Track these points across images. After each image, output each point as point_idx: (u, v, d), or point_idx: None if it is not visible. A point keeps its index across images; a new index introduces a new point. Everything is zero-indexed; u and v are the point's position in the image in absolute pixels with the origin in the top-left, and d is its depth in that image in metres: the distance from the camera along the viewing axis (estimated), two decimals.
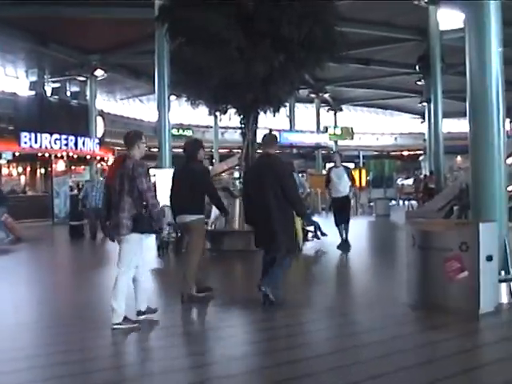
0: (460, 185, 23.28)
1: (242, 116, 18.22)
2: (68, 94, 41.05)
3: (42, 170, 36.69)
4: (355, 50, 35.12)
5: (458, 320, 8.56)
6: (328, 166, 25.21)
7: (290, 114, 47.90)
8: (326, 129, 55.04)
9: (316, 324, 9.13)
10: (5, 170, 35.74)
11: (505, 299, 9.50)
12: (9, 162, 34.65)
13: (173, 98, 28.86)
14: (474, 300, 8.65)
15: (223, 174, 31.47)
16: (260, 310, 9.55)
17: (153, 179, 18.72)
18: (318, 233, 18.31)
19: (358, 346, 7.63)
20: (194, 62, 16.34)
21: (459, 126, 49.87)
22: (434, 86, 32.70)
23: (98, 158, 38.74)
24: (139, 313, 8.81)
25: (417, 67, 35.45)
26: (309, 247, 17.51)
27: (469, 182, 11.19)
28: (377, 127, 71.34)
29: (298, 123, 52.61)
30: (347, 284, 12.54)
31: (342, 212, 16.88)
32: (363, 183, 41.38)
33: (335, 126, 57.28)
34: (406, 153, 71.29)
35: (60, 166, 33.75)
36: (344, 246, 16.62)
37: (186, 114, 48.06)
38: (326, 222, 19.70)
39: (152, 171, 17.81)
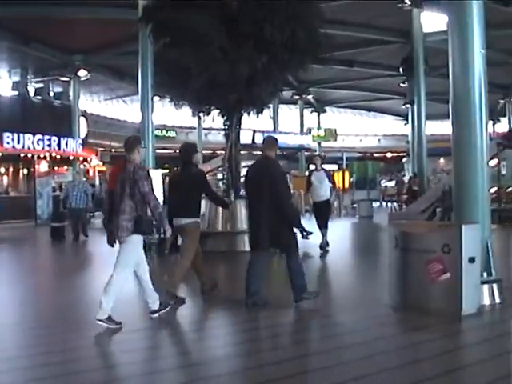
0: (443, 187, 23.40)
1: (225, 117, 18.20)
2: (51, 94, 40.88)
3: (25, 171, 36.46)
4: (339, 52, 35.13)
5: (441, 321, 8.59)
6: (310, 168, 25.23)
7: (274, 116, 48.00)
8: (310, 130, 55.19)
9: (299, 325, 9.15)
10: None
11: (487, 301, 9.55)
12: None
13: (156, 98, 28.72)
14: (456, 301, 8.68)
15: (207, 176, 31.44)
16: (243, 311, 9.53)
17: None
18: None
19: (341, 347, 7.64)
20: (177, 62, 16.33)
21: (442, 128, 50.02)
22: (418, 88, 32.76)
23: (81, 158, 38.55)
24: (153, 312, 9.02)
25: (400, 69, 35.48)
26: None
27: (452, 184, 11.22)
28: (360, 129, 71.47)
29: (282, 125, 52.66)
30: (330, 285, 12.57)
31: (322, 215, 16.89)
32: (346, 185, 41.47)
33: (319, 128, 57.43)
34: (389, 154, 71.57)
35: (43, 166, 33.60)
36: (323, 250, 16.58)
37: (170, 115, 48.03)
38: (310, 223, 19.71)
39: None
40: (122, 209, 8.57)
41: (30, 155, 33.20)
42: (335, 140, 58.49)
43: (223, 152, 20.00)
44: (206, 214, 16.92)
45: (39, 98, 38.38)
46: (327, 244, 16.71)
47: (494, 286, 9.74)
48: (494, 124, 53.68)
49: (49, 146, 34.17)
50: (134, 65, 26.89)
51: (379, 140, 73.22)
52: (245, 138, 33.69)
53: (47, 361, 7.22)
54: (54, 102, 39.73)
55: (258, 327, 8.92)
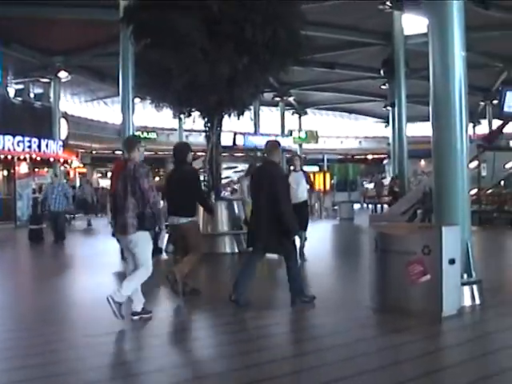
0: (423, 188, 23.50)
1: (206, 119, 18.17)
2: (31, 95, 40.66)
3: (5, 172, 36.17)
4: (320, 54, 35.28)
5: (421, 323, 8.60)
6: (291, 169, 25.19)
7: (255, 118, 47.94)
8: (291, 132, 55.19)
9: (280, 327, 9.13)
10: None
11: (467, 302, 9.59)
12: None
13: (137, 100, 28.69)
14: (436, 303, 8.70)
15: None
16: (226, 312, 9.53)
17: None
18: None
19: (322, 349, 7.64)
20: (158, 63, 16.29)
21: (423, 129, 50.20)
22: (398, 91, 32.85)
23: (62, 160, 38.36)
24: (134, 313, 9.00)
25: (381, 71, 35.57)
26: None
27: (432, 186, 11.25)
28: (341, 131, 71.48)
29: (263, 127, 52.67)
30: (311, 287, 12.55)
31: (301, 217, 16.78)
32: (327, 187, 41.55)
33: (300, 130, 57.42)
34: (370, 156, 71.76)
35: (23, 168, 33.43)
36: (301, 256, 16.38)
37: (151, 116, 47.88)
38: None
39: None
40: (126, 206, 8.78)
41: (10, 157, 32.94)
42: (316, 142, 58.45)
43: (204, 154, 19.95)
44: None
45: (19, 99, 38.10)
46: (302, 253, 16.29)
47: (475, 287, 9.78)
48: (474, 126, 53.94)
49: (29, 147, 33.93)
50: (114, 66, 26.80)
51: (360, 142, 73.32)
52: (226, 140, 33.75)
53: (24, 363, 7.16)
54: (34, 104, 39.48)
55: (241, 329, 8.89)
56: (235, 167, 54.42)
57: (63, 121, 41.25)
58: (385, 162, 58.31)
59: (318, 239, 17.49)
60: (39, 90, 41.61)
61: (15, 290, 13.05)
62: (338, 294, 11.53)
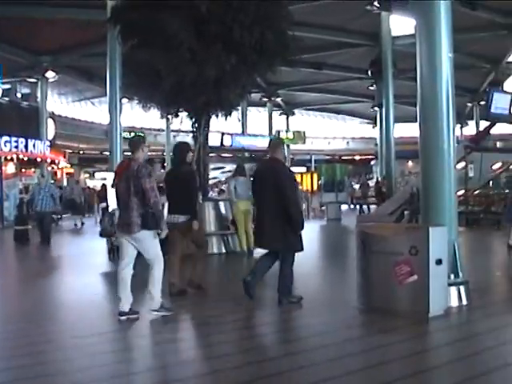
0: (411, 189, 23.57)
1: (193, 119, 18.15)
2: (18, 95, 40.59)
3: None
4: (308, 55, 35.34)
5: (408, 323, 8.61)
6: None
7: (242, 118, 47.90)
8: (279, 133, 55.15)
9: (267, 327, 9.14)
10: None
11: (454, 302, 9.61)
12: None
13: (125, 100, 28.65)
14: (423, 303, 8.71)
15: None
16: (212, 313, 9.55)
17: (105, 183, 18.61)
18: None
19: (309, 350, 7.63)
20: (146, 63, 16.26)
21: (410, 130, 50.30)
22: (386, 91, 32.90)
23: (49, 160, 38.26)
24: (121, 313, 9.03)
25: (369, 72, 35.60)
26: (260, 251, 17.45)
27: (419, 187, 11.27)
28: (329, 131, 71.63)
29: (250, 127, 52.71)
30: (298, 287, 12.54)
31: None
32: (315, 187, 41.53)
33: (287, 130, 57.43)
34: (357, 157, 71.86)
35: (10, 168, 33.33)
36: None
37: (138, 116, 47.78)
38: None
39: (103, 175, 17.75)
40: (130, 206, 8.90)
41: None
42: (304, 142, 58.43)
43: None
44: None
45: (6, 99, 38.06)
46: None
47: (461, 287, 9.81)
48: (461, 127, 54.15)
49: (16, 147, 33.82)
50: (102, 66, 26.77)
51: (348, 142, 73.47)
52: (213, 140, 33.67)
53: (11, 364, 7.13)
54: (21, 104, 39.44)
55: (227, 330, 8.88)
56: (223, 168, 54.38)
57: (50, 121, 41.19)
58: (372, 162, 58.41)
59: (305, 240, 17.42)
60: (26, 90, 41.56)
61: (0, 291, 12.98)
62: (325, 295, 11.53)
